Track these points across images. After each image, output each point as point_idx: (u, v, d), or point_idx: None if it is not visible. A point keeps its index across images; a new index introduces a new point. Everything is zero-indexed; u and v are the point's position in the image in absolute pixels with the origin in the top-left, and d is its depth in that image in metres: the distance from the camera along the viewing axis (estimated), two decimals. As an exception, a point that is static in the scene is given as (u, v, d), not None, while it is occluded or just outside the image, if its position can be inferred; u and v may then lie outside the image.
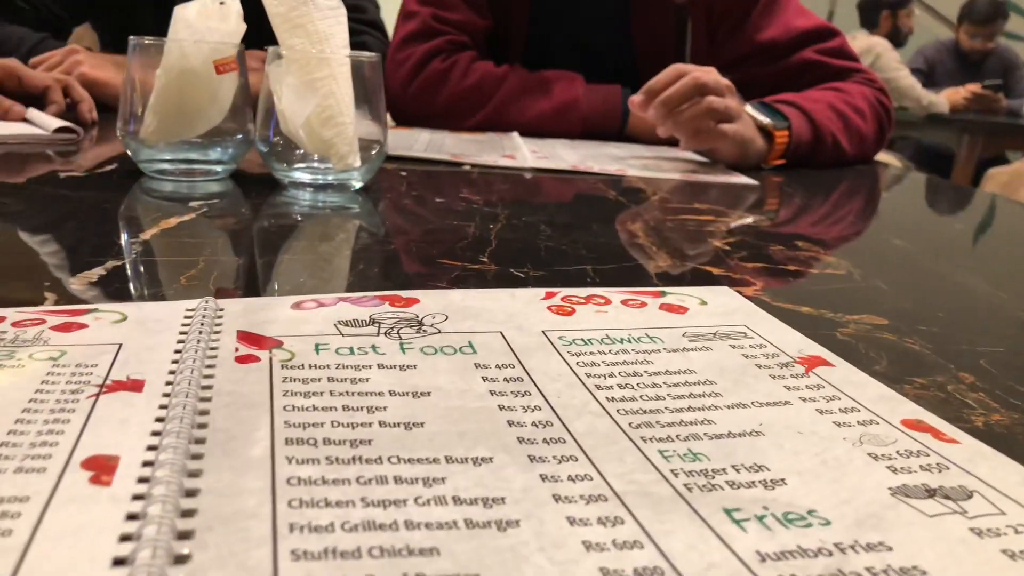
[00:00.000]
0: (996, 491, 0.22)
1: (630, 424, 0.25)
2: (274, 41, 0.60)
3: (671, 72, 0.89)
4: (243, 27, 0.62)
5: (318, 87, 0.58)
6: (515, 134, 1.04)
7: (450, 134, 1.03)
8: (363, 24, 1.16)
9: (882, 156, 3.09)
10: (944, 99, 3.52)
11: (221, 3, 0.62)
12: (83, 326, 0.29)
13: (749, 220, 0.62)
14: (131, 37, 0.60)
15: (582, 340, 0.32)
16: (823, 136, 0.96)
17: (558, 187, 0.75)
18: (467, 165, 0.80)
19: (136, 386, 0.25)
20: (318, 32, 0.60)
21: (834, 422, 0.26)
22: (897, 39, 3.69)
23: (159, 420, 0.22)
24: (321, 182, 0.60)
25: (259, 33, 0.64)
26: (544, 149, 0.94)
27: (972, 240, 0.64)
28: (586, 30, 1.17)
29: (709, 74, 0.88)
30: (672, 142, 1.08)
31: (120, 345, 0.28)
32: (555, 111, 1.07)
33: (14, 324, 0.29)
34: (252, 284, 0.40)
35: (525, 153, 0.88)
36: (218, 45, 0.59)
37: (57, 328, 0.29)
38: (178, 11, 0.60)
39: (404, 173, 0.74)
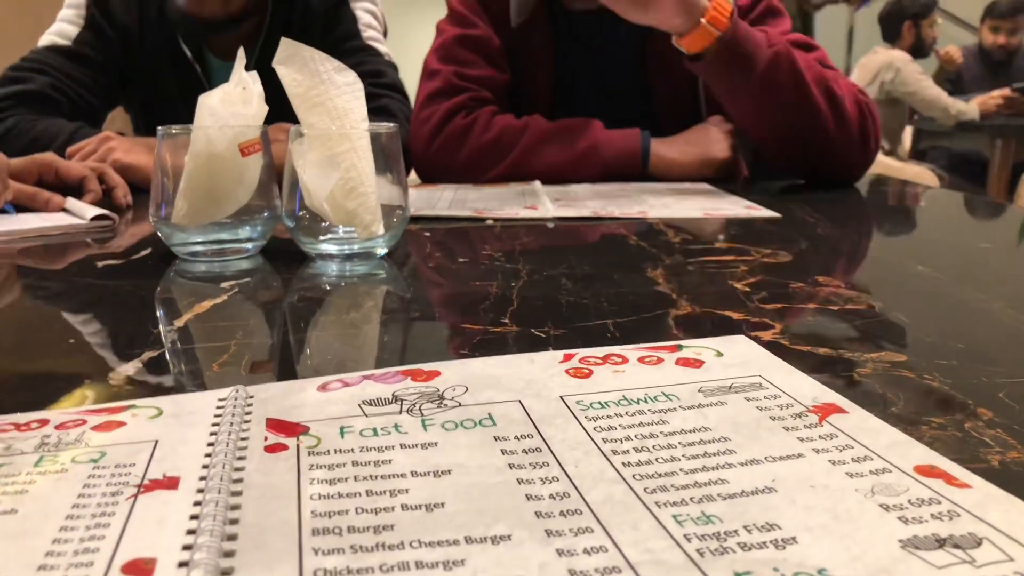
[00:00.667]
0: (1005, 536, 0.22)
1: (645, 489, 0.26)
2: (294, 113, 0.62)
3: None
4: (265, 109, 0.64)
5: (339, 161, 0.60)
6: (537, 183, 1.06)
7: (473, 188, 1.05)
8: (383, 88, 1.19)
9: (915, 170, 3.05)
10: (974, 106, 3.48)
11: (243, 88, 0.64)
12: (121, 424, 0.31)
13: (769, 257, 0.62)
14: (159, 127, 0.63)
15: (599, 403, 0.33)
16: (777, 45, 0.96)
17: (580, 235, 0.76)
18: (490, 220, 0.82)
19: (172, 483, 0.26)
20: (337, 108, 0.62)
21: (847, 472, 0.27)
22: (921, 50, 3.67)
23: (194, 518, 0.24)
24: (347, 252, 0.62)
25: (280, 108, 0.67)
26: (566, 196, 0.96)
27: (996, 261, 0.64)
28: (606, 78, 1.20)
29: None
30: (692, 178, 1.10)
31: (156, 442, 0.29)
32: (576, 158, 1.09)
33: (57, 427, 0.31)
34: (283, 364, 0.42)
35: (547, 203, 0.90)
36: (242, 129, 0.62)
37: (97, 428, 0.31)
38: (202, 99, 0.62)
39: (428, 233, 0.76)
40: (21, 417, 0.32)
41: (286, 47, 0.62)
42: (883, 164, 2.78)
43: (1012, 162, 3.22)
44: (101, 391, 0.36)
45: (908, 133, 3.97)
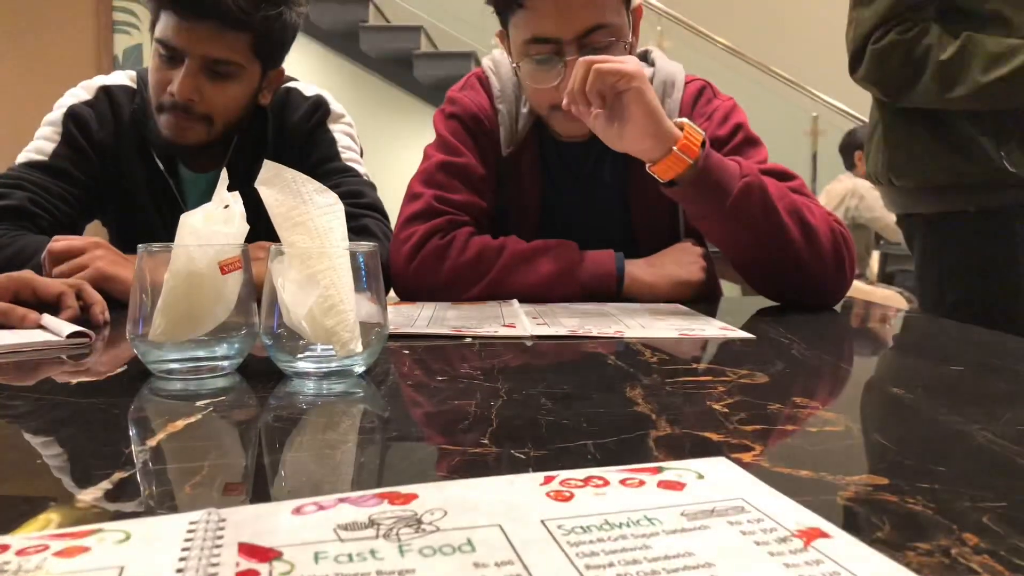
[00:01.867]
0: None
1: (631, 619, 0.25)
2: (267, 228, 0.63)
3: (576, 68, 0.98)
4: (246, 228, 0.65)
5: (319, 279, 0.61)
6: (515, 302, 1.07)
7: (452, 306, 1.06)
8: (363, 208, 1.21)
9: (884, 293, 3.10)
10: None
11: (225, 207, 0.65)
12: (86, 549, 0.30)
13: (746, 378, 0.63)
14: (140, 245, 0.63)
15: (581, 528, 0.32)
16: (749, 176, 1.00)
17: (558, 353, 0.77)
18: (468, 338, 0.82)
19: None
20: (317, 228, 0.64)
21: (836, 601, 0.26)
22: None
23: (161, 650, 0.23)
24: (325, 370, 0.62)
25: (260, 225, 0.68)
26: (544, 315, 0.96)
27: (969, 384, 0.64)
28: (591, 201, 1.25)
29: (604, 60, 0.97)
30: (668, 299, 1.11)
31: (122, 568, 0.28)
32: (552, 278, 1.11)
33: (18, 552, 0.29)
34: (257, 486, 0.41)
35: (524, 321, 0.90)
36: (223, 247, 0.62)
37: (60, 553, 0.29)
38: (184, 218, 0.63)
39: (407, 351, 0.76)
40: None
41: (269, 169, 0.64)
42: (853, 288, 2.84)
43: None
44: (67, 514, 0.35)
45: (875, 257, 4.09)
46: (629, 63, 0.98)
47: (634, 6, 1.13)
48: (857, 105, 4.70)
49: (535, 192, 1.24)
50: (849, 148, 3.91)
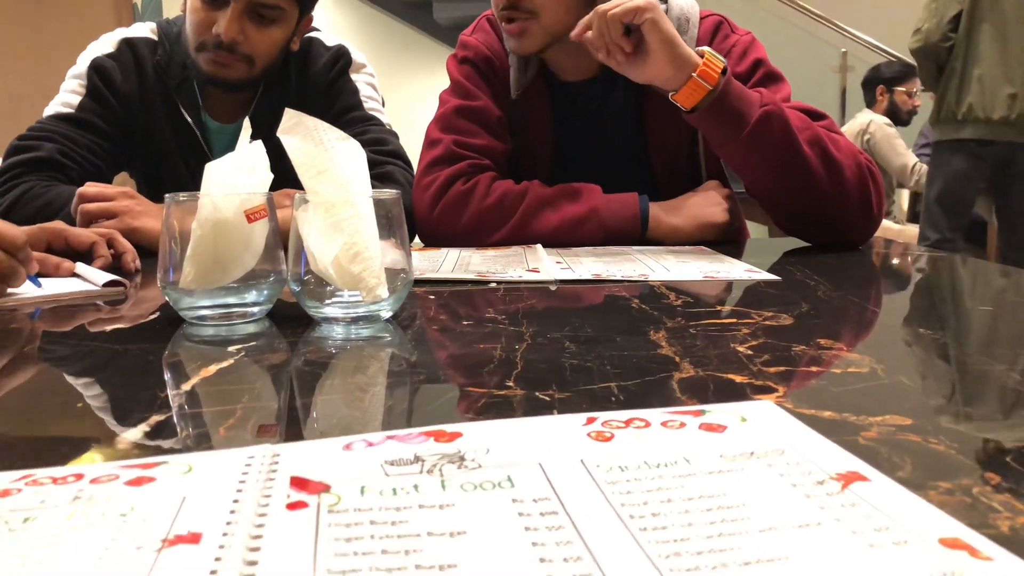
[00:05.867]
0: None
1: (659, 555, 0.26)
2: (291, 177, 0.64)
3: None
4: (270, 176, 0.66)
5: (344, 227, 0.61)
6: (539, 247, 1.07)
7: (476, 251, 1.06)
8: (386, 155, 1.21)
9: (914, 231, 3.06)
10: None
11: (249, 156, 0.66)
12: (152, 479, 0.32)
13: (771, 320, 0.63)
14: (167, 195, 0.64)
15: (619, 468, 0.33)
16: (769, 105, 1.00)
17: (582, 298, 0.77)
18: (493, 282, 0.82)
19: (195, 539, 0.27)
20: (341, 176, 0.64)
21: (868, 543, 0.26)
22: (897, 117, 3.74)
23: (213, 573, 0.24)
24: (352, 315, 0.62)
25: (278, 172, 0.68)
26: (568, 259, 0.97)
27: (997, 324, 0.64)
28: (604, 144, 1.23)
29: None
30: (691, 241, 1.11)
31: (184, 498, 0.30)
32: (576, 222, 1.10)
33: (92, 481, 0.32)
34: (290, 427, 0.42)
35: (549, 265, 0.91)
36: (248, 196, 0.63)
37: (130, 483, 0.32)
38: (209, 167, 0.64)
39: (432, 296, 0.77)
40: (58, 471, 0.33)
41: (290, 117, 0.64)
42: (882, 227, 2.81)
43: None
44: (109, 454, 0.36)
45: (905, 196, 4.02)
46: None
47: None
48: (888, 40, 4.58)
49: (547, 134, 1.24)
50: (872, 83, 3.81)
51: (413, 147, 1.26)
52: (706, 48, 1.01)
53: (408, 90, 4.35)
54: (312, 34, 1.34)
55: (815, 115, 1.09)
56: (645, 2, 0.97)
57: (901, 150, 3.62)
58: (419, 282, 0.82)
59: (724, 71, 1.00)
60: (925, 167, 3.51)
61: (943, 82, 2.64)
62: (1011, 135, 2.56)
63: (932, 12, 2.58)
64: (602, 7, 0.99)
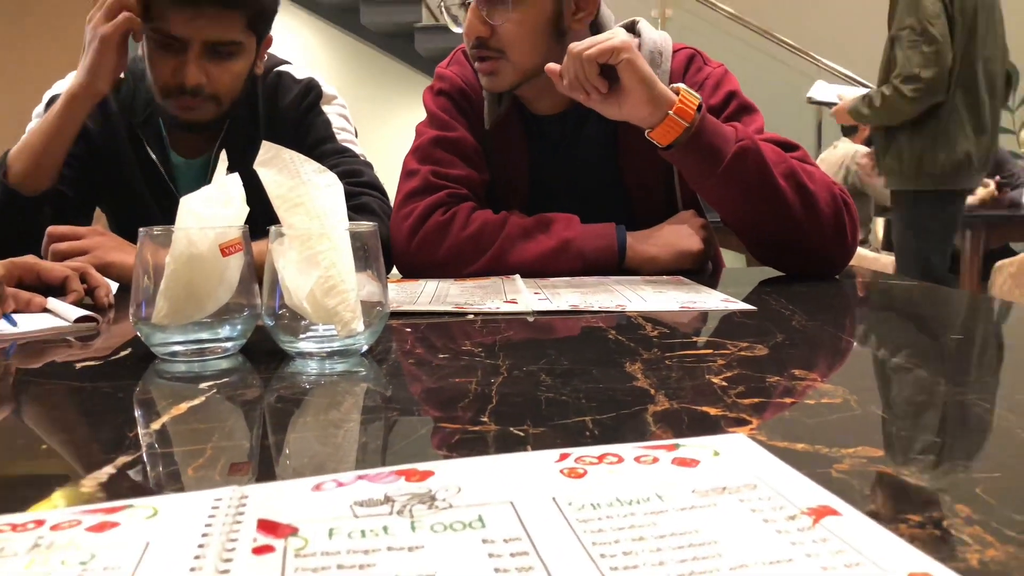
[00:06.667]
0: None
1: (626, 594, 0.25)
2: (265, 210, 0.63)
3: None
4: (246, 210, 0.65)
5: (320, 260, 0.61)
6: (517, 277, 1.07)
7: (454, 282, 1.06)
8: (362, 186, 1.21)
9: (889, 259, 3.09)
10: None
11: (224, 190, 0.65)
12: (115, 524, 0.31)
13: (746, 351, 0.63)
14: (141, 228, 0.63)
15: (591, 505, 0.32)
16: (745, 140, 1.01)
17: (559, 329, 0.77)
18: (471, 314, 0.82)
19: None
20: (317, 208, 0.64)
21: (835, 578, 0.26)
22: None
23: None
24: (327, 350, 0.62)
25: (258, 207, 0.68)
26: (546, 289, 0.97)
27: (968, 353, 0.65)
28: (579, 175, 1.24)
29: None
30: (669, 272, 1.12)
31: (148, 543, 0.30)
32: (554, 252, 1.11)
33: (52, 527, 0.31)
34: (262, 466, 0.41)
35: (527, 296, 0.91)
36: (223, 229, 0.63)
37: (92, 528, 0.31)
38: (184, 201, 0.63)
39: (409, 329, 0.76)
40: (18, 518, 0.32)
41: (267, 150, 0.64)
42: (858, 254, 2.83)
43: (983, 251, 3.30)
44: (73, 497, 0.36)
45: (879, 224, 4.07)
46: (616, 36, 0.99)
47: None
48: (862, 72, 4.66)
49: (522, 165, 1.24)
50: None
51: (395, 174, 1.25)
52: (681, 85, 1.02)
53: (391, 119, 4.37)
54: (282, 67, 1.34)
55: (788, 146, 1.11)
56: (620, 42, 0.98)
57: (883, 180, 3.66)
58: (396, 314, 0.81)
59: (700, 108, 1.00)
60: None
61: (931, 132, 2.58)
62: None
63: (929, 62, 2.43)
64: (576, 47, 0.99)
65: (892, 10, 2.57)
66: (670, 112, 0.99)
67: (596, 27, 1.19)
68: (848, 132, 3.89)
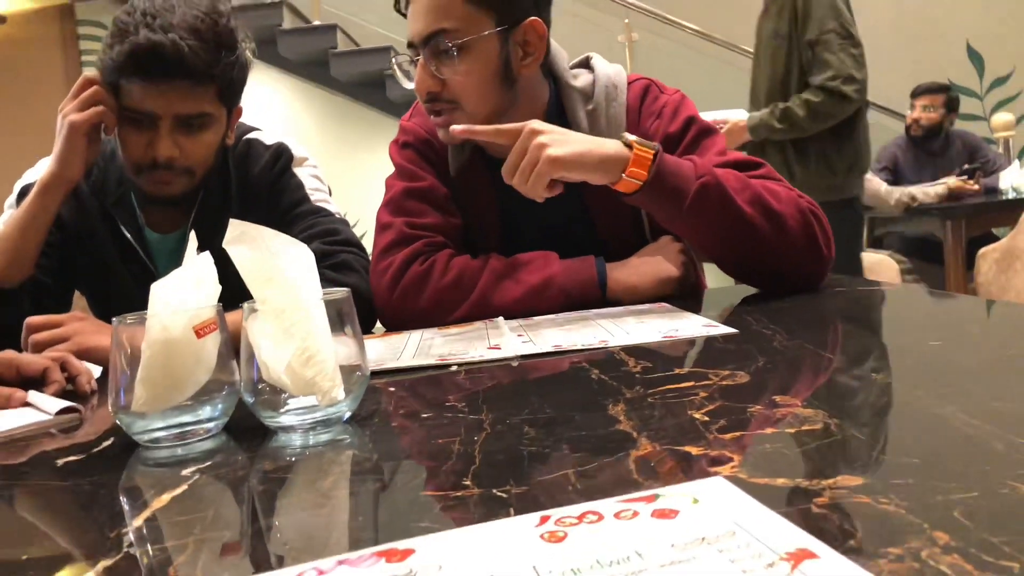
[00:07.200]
0: None
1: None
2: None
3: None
4: (218, 289, 0.66)
5: (295, 332, 0.61)
6: (500, 320, 1.07)
7: (438, 331, 1.06)
8: (340, 244, 1.22)
9: (875, 257, 3.10)
10: (940, 188, 3.56)
11: (195, 271, 0.66)
12: None
13: (728, 379, 0.63)
14: (113, 318, 0.63)
15: (572, 571, 0.32)
16: (705, 176, 1.01)
17: (543, 370, 0.77)
18: (454, 366, 0.82)
19: None
20: (289, 281, 0.64)
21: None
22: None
23: None
24: (310, 422, 0.62)
25: (231, 280, 0.68)
26: (529, 331, 0.97)
27: (946, 360, 0.65)
28: (547, 213, 1.24)
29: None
30: (652, 298, 1.12)
31: None
32: (536, 290, 1.11)
33: None
34: (253, 552, 0.41)
35: (510, 341, 0.91)
36: (196, 312, 0.63)
37: None
38: (154, 288, 0.63)
39: (392, 388, 0.76)
40: None
41: (234, 228, 0.64)
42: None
43: (965, 240, 3.32)
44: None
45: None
46: (525, 131, 1.00)
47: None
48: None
49: (491, 208, 1.24)
50: None
51: (374, 223, 1.26)
52: (633, 138, 1.01)
53: (368, 164, 4.40)
54: (251, 135, 1.35)
55: (750, 164, 1.11)
56: (534, 143, 0.98)
57: (869, 176, 3.69)
58: (380, 373, 0.81)
59: (655, 156, 1.00)
60: (897, 188, 3.58)
61: (856, 135, 2.59)
62: None
63: (860, 63, 2.48)
64: (506, 168, 1.02)
65: (795, 16, 2.55)
66: (624, 175, 0.99)
67: (547, 67, 1.20)
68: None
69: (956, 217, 3.32)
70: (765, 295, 1.10)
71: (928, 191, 3.55)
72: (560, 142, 0.98)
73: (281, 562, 0.38)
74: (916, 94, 3.96)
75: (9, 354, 0.85)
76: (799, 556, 0.31)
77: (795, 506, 0.37)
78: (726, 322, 0.87)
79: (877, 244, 3.89)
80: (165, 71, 1.12)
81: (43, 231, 1.18)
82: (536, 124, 1.00)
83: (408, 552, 0.36)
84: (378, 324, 1.18)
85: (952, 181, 3.57)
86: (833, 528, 0.34)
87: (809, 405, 0.55)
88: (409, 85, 1.16)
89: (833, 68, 2.45)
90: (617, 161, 0.99)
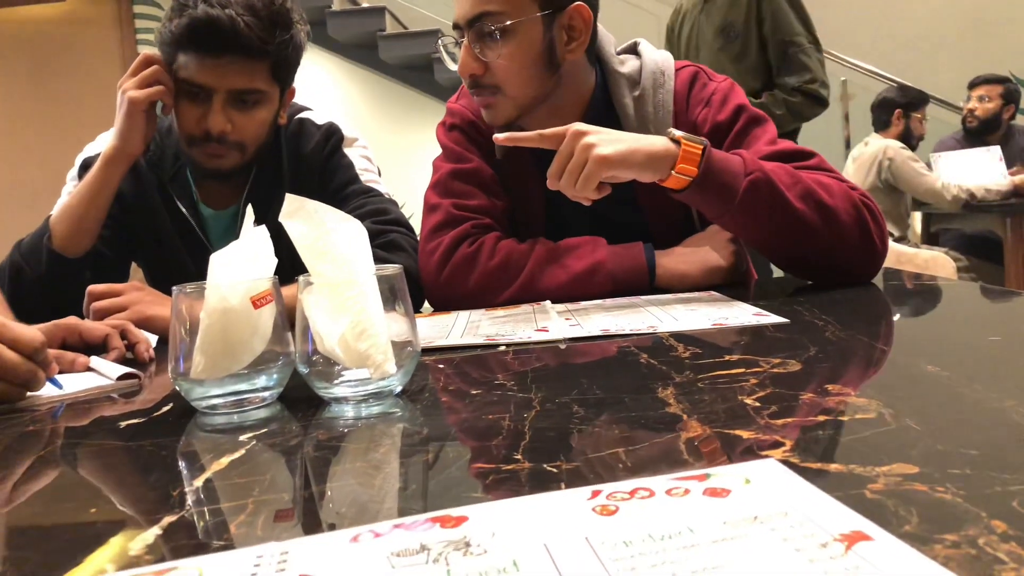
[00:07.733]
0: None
1: (658, 635, 0.26)
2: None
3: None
4: (274, 262, 0.67)
5: (349, 306, 0.62)
6: (548, 303, 1.08)
7: (485, 313, 1.07)
8: (389, 224, 1.23)
9: (929, 254, 3.05)
10: (1005, 183, 3.47)
11: (253, 244, 0.67)
12: None
13: (779, 367, 0.63)
14: (174, 287, 0.65)
15: (624, 543, 0.33)
16: (755, 172, 0.99)
17: (592, 354, 0.77)
18: (502, 346, 0.83)
19: None
20: (343, 256, 0.65)
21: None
22: (907, 142, 3.74)
23: None
24: (362, 394, 0.63)
25: (285, 254, 0.69)
26: (577, 314, 0.97)
27: (1006, 355, 0.64)
28: (595, 201, 1.23)
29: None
30: (698, 287, 1.11)
31: None
32: (584, 276, 1.11)
33: None
34: (306, 517, 0.42)
35: (558, 324, 0.91)
36: (253, 282, 0.64)
37: None
38: (213, 259, 0.65)
39: (442, 365, 0.77)
40: None
41: (291, 202, 0.65)
42: (895, 251, 2.79)
43: (1026, 238, 3.23)
44: (125, 557, 0.37)
45: (917, 218, 4.00)
46: (570, 133, 0.98)
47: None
48: (886, 67, 4.63)
49: (536, 192, 1.24)
50: (889, 106, 3.79)
51: (421, 205, 1.27)
52: (679, 133, 1.00)
53: (416, 147, 4.43)
54: (303, 114, 1.37)
55: (802, 155, 1.10)
56: (584, 143, 0.97)
57: (923, 171, 3.61)
58: (429, 350, 0.82)
59: (704, 152, 0.99)
60: (954, 183, 3.49)
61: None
62: None
63: (824, 67, 2.53)
64: (551, 173, 1.00)
65: (756, 13, 2.52)
66: (673, 172, 0.98)
67: (594, 53, 1.20)
68: (880, 127, 3.84)
69: (1017, 214, 3.23)
70: (816, 287, 1.09)
71: (989, 187, 3.46)
72: (607, 141, 0.97)
73: (333, 528, 0.39)
74: (973, 85, 3.86)
75: (72, 320, 0.88)
76: (853, 538, 0.31)
77: (848, 491, 0.37)
78: (777, 312, 0.86)
79: (933, 241, 3.81)
80: (221, 45, 1.15)
81: (106, 203, 1.21)
82: (580, 126, 0.99)
83: (462, 519, 0.36)
84: (425, 304, 1.19)
85: (1018, 178, 3.47)
86: (888, 513, 0.34)
87: (863, 394, 0.54)
88: (454, 67, 1.17)
89: (812, 72, 2.51)
90: (666, 157, 0.98)
